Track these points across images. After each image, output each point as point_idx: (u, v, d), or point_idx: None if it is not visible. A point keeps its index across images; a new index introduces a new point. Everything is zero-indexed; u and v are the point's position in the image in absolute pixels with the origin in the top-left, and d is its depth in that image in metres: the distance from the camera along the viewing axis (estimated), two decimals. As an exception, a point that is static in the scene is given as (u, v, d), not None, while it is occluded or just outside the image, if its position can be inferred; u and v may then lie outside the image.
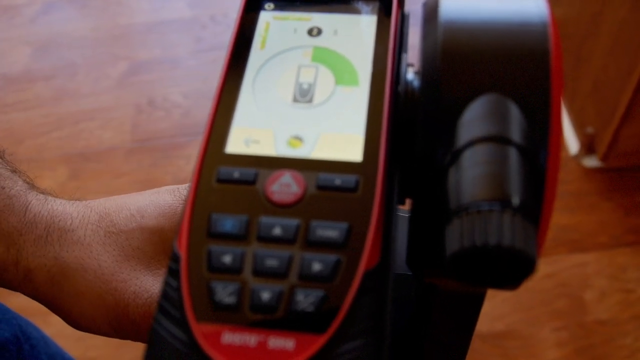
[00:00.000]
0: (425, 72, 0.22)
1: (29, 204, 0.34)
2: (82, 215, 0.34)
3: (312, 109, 0.24)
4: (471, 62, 0.21)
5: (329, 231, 0.21)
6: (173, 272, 0.21)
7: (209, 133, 0.24)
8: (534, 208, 0.19)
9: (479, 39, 0.21)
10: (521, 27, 0.21)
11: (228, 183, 0.22)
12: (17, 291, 0.35)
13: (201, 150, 0.23)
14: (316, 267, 0.20)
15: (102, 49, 1.67)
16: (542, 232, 0.20)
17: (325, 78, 0.25)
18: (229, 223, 0.21)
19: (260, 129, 0.24)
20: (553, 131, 0.20)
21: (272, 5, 0.27)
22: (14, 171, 0.36)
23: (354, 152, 0.23)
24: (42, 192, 0.36)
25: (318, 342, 0.19)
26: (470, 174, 0.19)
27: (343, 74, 0.25)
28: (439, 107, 0.21)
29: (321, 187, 0.22)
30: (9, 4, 1.83)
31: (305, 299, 0.20)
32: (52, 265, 0.33)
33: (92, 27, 1.76)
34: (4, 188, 0.34)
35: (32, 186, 0.36)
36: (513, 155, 0.19)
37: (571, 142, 1.39)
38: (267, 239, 0.21)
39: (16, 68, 1.63)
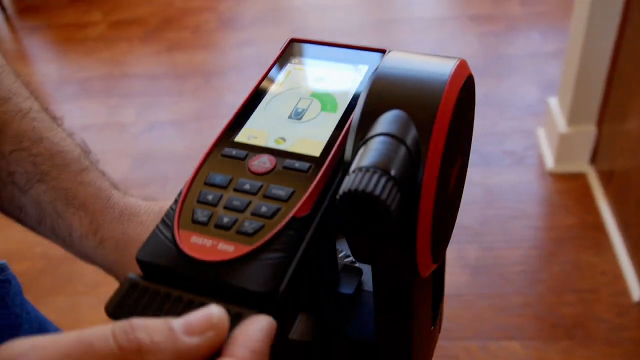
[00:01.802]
0: (362, 97, 0.32)
1: (112, 195, 0.47)
2: (148, 207, 0.46)
3: (299, 123, 0.35)
4: (387, 91, 0.31)
5: (280, 191, 0.31)
6: (175, 201, 0.32)
7: (227, 127, 0.35)
8: (405, 183, 0.27)
9: (396, 80, 0.31)
10: (428, 76, 0.31)
11: (228, 157, 0.33)
12: (91, 260, 0.47)
13: (218, 136, 0.34)
14: (263, 209, 0.31)
15: (193, 164, 1.83)
16: (422, 218, 0.29)
17: (315, 106, 0.36)
18: (218, 178, 0.32)
19: (261, 130, 0.35)
20: (432, 141, 0.29)
21: (296, 60, 0.39)
22: (103, 174, 0.49)
23: (316, 150, 0.33)
24: (123, 192, 0.49)
25: (249, 248, 0.29)
26: (370, 151, 0.28)
27: (327, 105, 0.36)
28: (362, 114, 0.31)
29: (285, 167, 0.32)
30: (120, 122, 2.09)
31: (249, 225, 0.30)
32: (120, 238, 0.45)
33: (187, 146, 1.96)
34: (95, 182, 0.47)
35: (115, 186, 0.49)
36: (402, 149, 0.28)
37: (634, 288, 1.38)
38: (239, 191, 0.32)
39: (116, 176, 1.79)
